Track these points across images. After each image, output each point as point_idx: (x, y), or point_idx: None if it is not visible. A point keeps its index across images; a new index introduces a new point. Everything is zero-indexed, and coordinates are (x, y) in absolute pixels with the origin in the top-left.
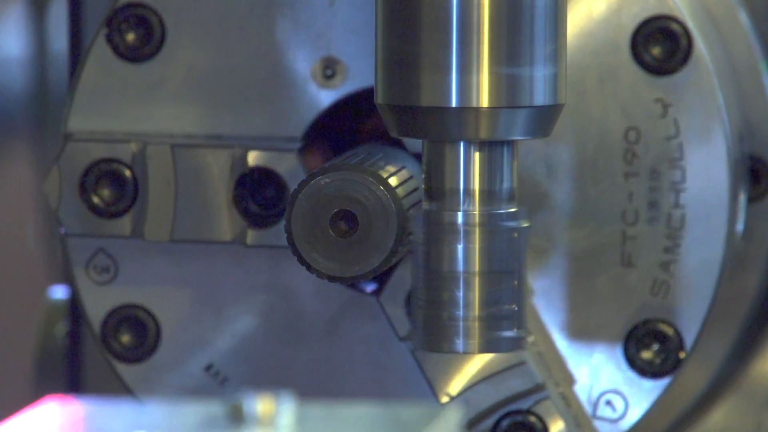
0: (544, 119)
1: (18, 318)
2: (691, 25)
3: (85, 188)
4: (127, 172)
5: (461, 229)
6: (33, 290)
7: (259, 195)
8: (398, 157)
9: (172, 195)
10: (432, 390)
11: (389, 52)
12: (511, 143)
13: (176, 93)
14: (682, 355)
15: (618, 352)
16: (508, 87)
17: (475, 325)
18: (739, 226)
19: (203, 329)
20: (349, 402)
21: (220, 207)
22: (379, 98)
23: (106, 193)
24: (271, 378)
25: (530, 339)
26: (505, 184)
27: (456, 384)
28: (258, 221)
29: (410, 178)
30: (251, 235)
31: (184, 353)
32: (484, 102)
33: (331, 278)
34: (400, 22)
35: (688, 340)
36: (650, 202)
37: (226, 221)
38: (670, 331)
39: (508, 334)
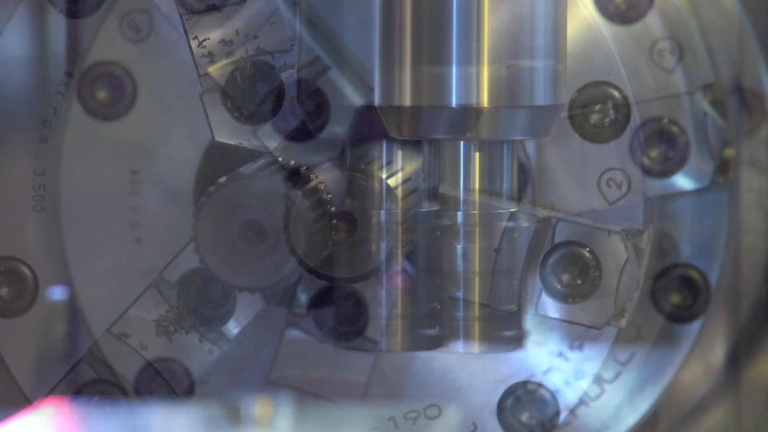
0: (544, 119)
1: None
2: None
3: None
4: None
5: (461, 229)
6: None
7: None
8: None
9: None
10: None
11: (389, 52)
12: (511, 143)
13: None
14: None
15: None
16: (508, 87)
17: (475, 325)
18: None
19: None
20: (345, 404)
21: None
22: (378, 99)
23: None
24: None
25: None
26: (505, 184)
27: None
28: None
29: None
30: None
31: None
32: (485, 102)
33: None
34: (401, 22)
35: None
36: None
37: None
38: None
39: (508, 333)
